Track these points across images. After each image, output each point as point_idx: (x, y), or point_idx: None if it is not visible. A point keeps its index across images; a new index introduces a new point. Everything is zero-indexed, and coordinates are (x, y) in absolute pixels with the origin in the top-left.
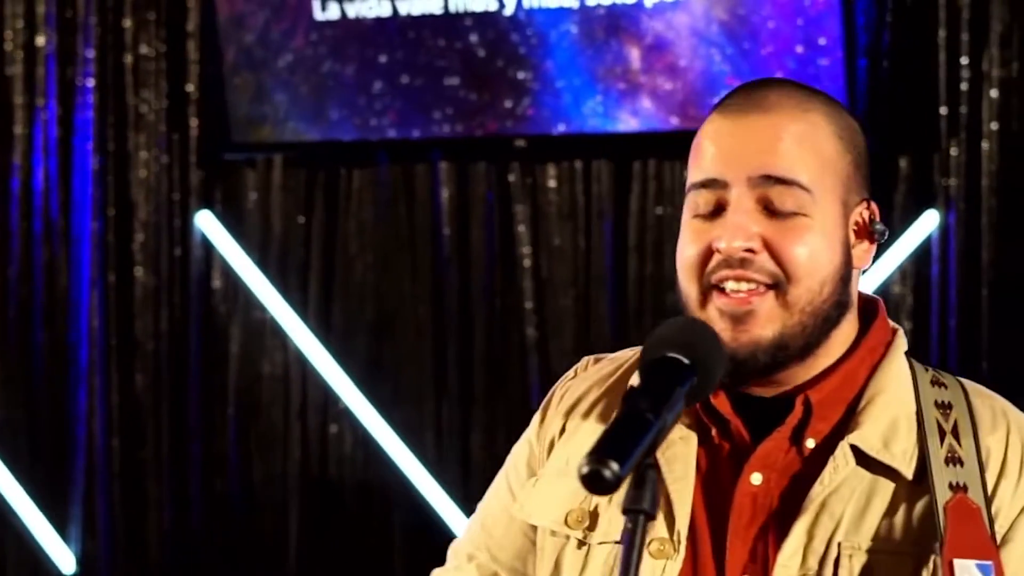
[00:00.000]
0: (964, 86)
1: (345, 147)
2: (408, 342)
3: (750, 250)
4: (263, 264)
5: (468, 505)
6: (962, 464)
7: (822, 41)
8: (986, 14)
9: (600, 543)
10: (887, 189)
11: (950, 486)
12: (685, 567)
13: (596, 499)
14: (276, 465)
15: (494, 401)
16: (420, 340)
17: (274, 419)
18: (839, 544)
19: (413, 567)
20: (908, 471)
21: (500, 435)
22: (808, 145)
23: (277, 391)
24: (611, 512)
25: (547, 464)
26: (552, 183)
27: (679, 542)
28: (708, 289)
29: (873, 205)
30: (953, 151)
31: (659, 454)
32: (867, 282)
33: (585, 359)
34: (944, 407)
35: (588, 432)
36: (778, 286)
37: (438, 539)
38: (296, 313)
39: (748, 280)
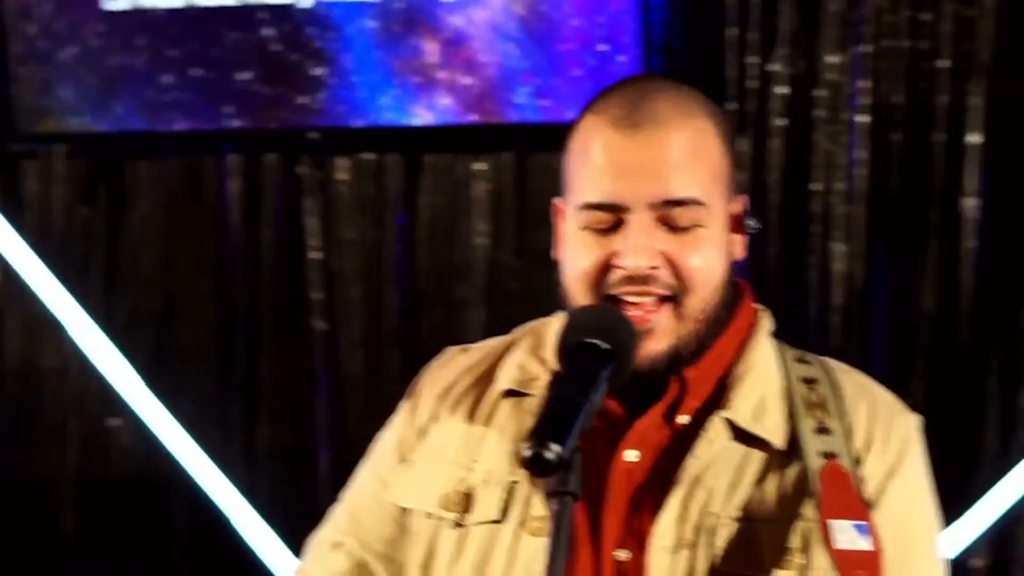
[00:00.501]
0: (753, 84)
1: (132, 139)
2: (193, 334)
3: (653, 267)
4: (44, 256)
5: (254, 497)
6: (831, 434)
7: (620, 39)
8: (774, 13)
9: (477, 524)
10: None
11: (822, 454)
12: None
13: (470, 482)
14: (54, 460)
15: (281, 393)
16: (206, 332)
17: (52, 414)
18: (714, 514)
19: (196, 562)
20: (779, 442)
21: (287, 427)
22: (700, 157)
23: (55, 385)
24: (487, 494)
25: (418, 450)
26: (343, 176)
27: None
28: (602, 300)
29: (744, 198)
30: (742, 147)
31: None
32: None
33: (450, 349)
34: (810, 382)
35: (460, 419)
36: (674, 298)
37: (222, 533)
38: (77, 306)
39: (650, 295)
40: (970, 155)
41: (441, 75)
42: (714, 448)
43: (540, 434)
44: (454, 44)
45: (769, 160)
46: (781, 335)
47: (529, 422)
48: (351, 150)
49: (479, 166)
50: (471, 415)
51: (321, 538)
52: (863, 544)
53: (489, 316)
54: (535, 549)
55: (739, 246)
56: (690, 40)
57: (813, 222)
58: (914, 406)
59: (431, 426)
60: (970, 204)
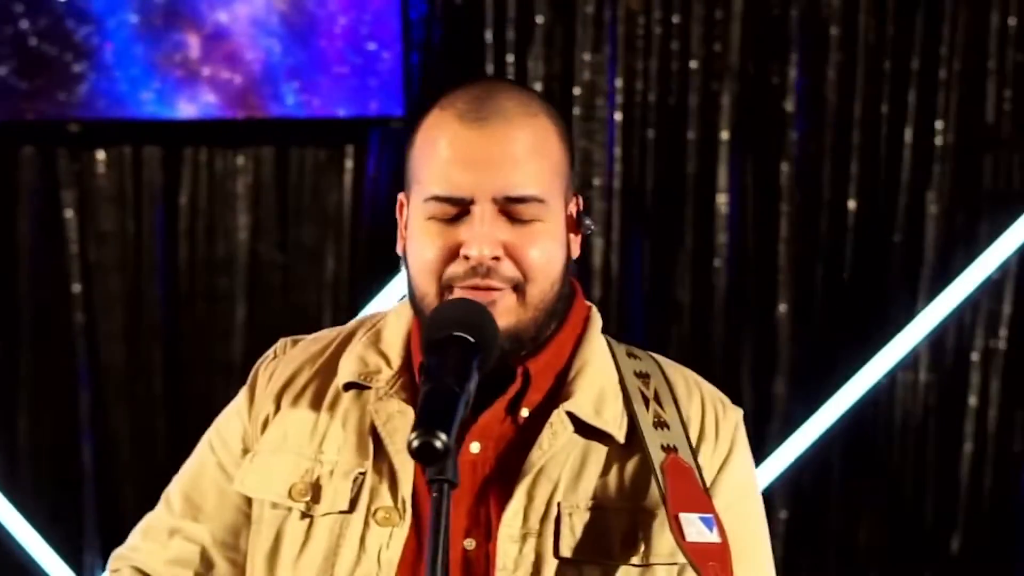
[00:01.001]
0: (509, 74)
1: None
2: None
3: (495, 257)
4: None
5: (15, 494)
6: (669, 428)
7: (384, 36)
8: (531, 13)
9: (325, 514)
10: None
11: (662, 448)
12: (411, 534)
13: (316, 472)
14: None
15: (40, 386)
16: None
17: None
18: (558, 504)
19: None
20: (620, 435)
21: (47, 420)
22: (542, 154)
23: None
24: (334, 484)
25: (262, 440)
26: (102, 169)
27: (404, 510)
28: (444, 292)
29: (579, 198)
30: None
31: (380, 427)
32: None
33: (282, 341)
34: (643, 376)
35: (303, 410)
36: (517, 287)
37: None
38: None
39: (493, 289)
40: (722, 152)
41: (204, 70)
42: (558, 440)
43: (427, 424)
44: (216, 39)
45: None
46: None
47: (369, 415)
48: (111, 143)
49: (239, 160)
50: (314, 407)
51: (154, 523)
52: (711, 536)
53: (251, 309)
54: (383, 538)
55: (575, 245)
56: (449, 38)
57: None
58: None
59: (273, 417)
60: (722, 200)
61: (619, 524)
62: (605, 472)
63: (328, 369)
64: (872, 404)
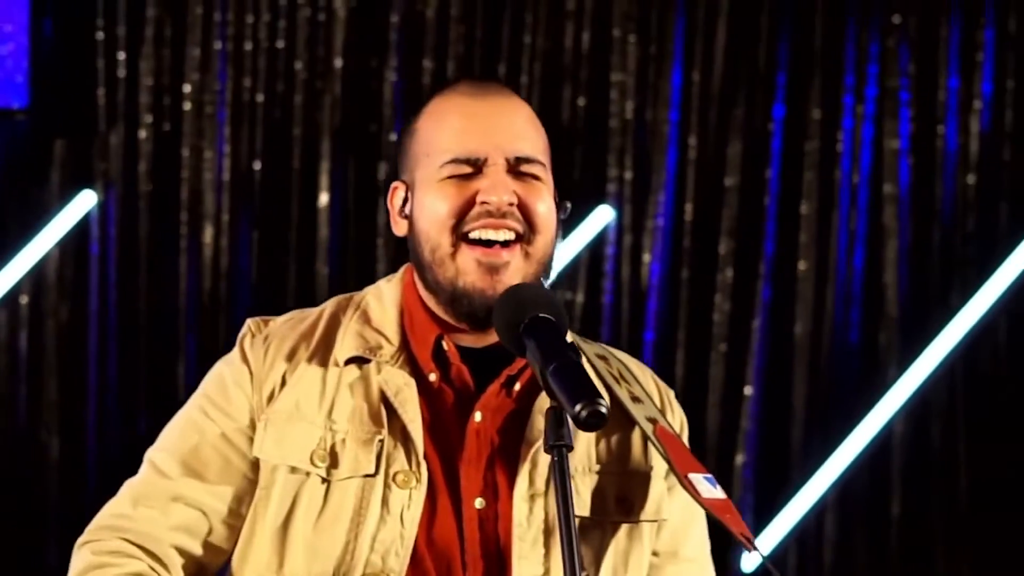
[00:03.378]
0: (121, 73)
1: None
2: None
3: (510, 203)
4: None
5: None
6: (642, 401)
7: (8, 28)
8: (142, 9)
9: (347, 478)
10: (46, 171)
11: (647, 419)
12: (428, 495)
13: (331, 440)
14: None
15: None
16: None
17: None
18: None
19: None
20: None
21: None
22: (537, 129)
23: None
24: (353, 450)
25: (272, 410)
26: None
27: (420, 472)
28: (459, 241)
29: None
30: (113, 138)
31: (392, 398)
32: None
33: (252, 321)
34: (602, 358)
35: (311, 380)
36: (523, 238)
37: None
38: None
39: (508, 229)
40: (324, 152)
41: None
42: None
43: (588, 395)
44: None
45: (141, 149)
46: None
47: (377, 385)
48: None
49: None
50: (319, 379)
51: (146, 490)
52: (718, 492)
53: None
54: (404, 499)
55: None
56: (63, 32)
57: (182, 209)
58: None
59: (280, 389)
60: (324, 198)
61: (612, 486)
62: (597, 440)
63: (325, 345)
64: None
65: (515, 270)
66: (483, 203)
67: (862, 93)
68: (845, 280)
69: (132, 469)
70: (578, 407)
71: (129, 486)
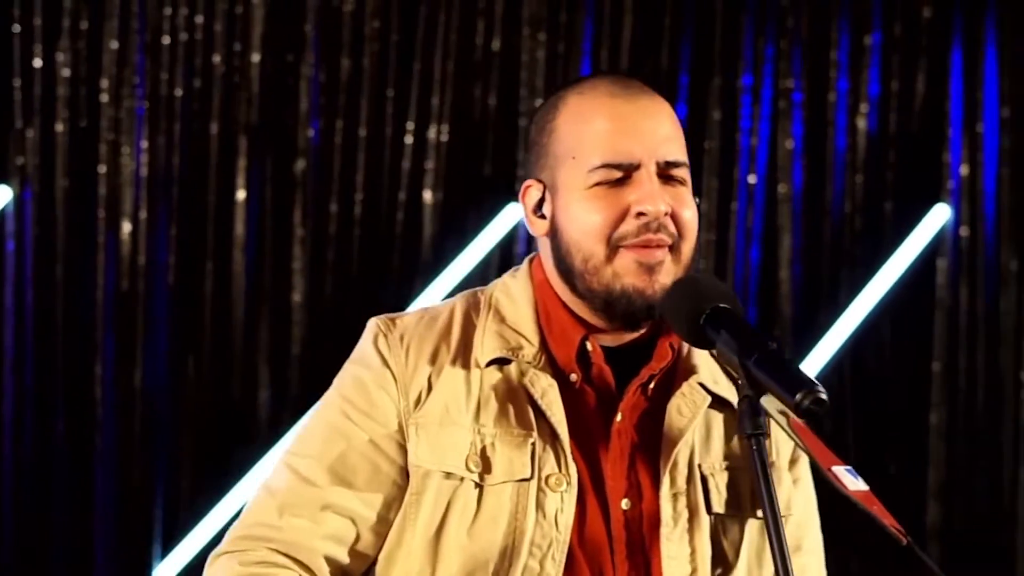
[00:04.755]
0: (38, 64)
1: None
2: None
3: (666, 213)
4: None
5: None
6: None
7: None
8: (59, 2)
9: (502, 483)
10: None
11: (779, 412)
12: (578, 496)
13: (481, 444)
14: None
15: None
16: None
17: None
18: (699, 465)
19: None
20: (734, 401)
21: None
22: (679, 125)
23: None
24: (506, 454)
25: (422, 414)
26: None
27: (570, 474)
28: (615, 248)
29: None
30: (30, 133)
31: (538, 399)
32: None
33: (383, 320)
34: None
35: (456, 382)
36: (673, 246)
37: None
38: None
39: (663, 244)
40: (241, 148)
41: None
42: (699, 408)
43: (808, 383)
44: None
45: (58, 144)
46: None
47: (523, 387)
48: None
49: None
50: (463, 380)
51: (293, 499)
52: (861, 484)
53: None
54: (557, 502)
55: None
56: None
57: (99, 205)
58: None
59: (427, 392)
60: (241, 195)
61: (745, 483)
62: (728, 436)
63: (464, 346)
64: None
65: (667, 270)
66: (640, 214)
67: (759, 94)
68: (743, 278)
69: (49, 469)
70: (799, 396)
71: (271, 494)
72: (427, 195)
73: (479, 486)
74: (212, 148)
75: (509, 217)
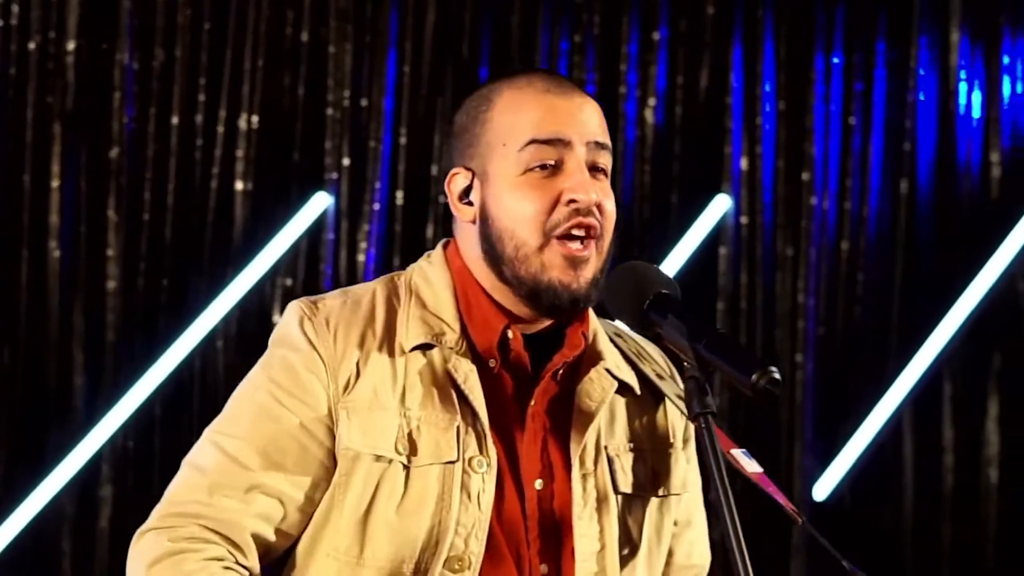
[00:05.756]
0: None
1: None
2: None
3: (596, 203)
4: None
5: None
6: (665, 379)
7: None
8: None
9: (428, 464)
10: None
11: (676, 396)
12: (495, 477)
13: (408, 427)
14: None
15: None
16: None
17: None
18: (605, 447)
19: None
20: (637, 387)
21: None
22: (606, 126)
23: None
24: (432, 436)
25: (350, 399)
26: None
27: (490, 456)
28: (547, 238)
29: None
30: None
31: (461, 384)
32: None
33: (306, 303)
34: (619, 336)
35: (382, 367)
36: (598, 236)
37: None
38: None
39: (593, 228)
40: (56, 135)
41: None
42: (607, 394)
43: (761, 364)
44: None
45: None
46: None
47: (446, 372)
48: None
49: None
50: (389, 366)
51: (224, 479)
52: (756, 466)
53: None
54: (479, 483)
55: None
56: None
57: None
58: None
59: (356, 376)
60: (56, 183)
61: (647, 463)
62: (632, 419)
63: (388, 331)
64: None
65: (591, 265)
66: (571, 201)
67: None
68: None
69: None
70: (754, 376)
71: (200, 472)
72: (238, 184)
73: (406, 468)
74: (27, 135)
75: (317, 205)
